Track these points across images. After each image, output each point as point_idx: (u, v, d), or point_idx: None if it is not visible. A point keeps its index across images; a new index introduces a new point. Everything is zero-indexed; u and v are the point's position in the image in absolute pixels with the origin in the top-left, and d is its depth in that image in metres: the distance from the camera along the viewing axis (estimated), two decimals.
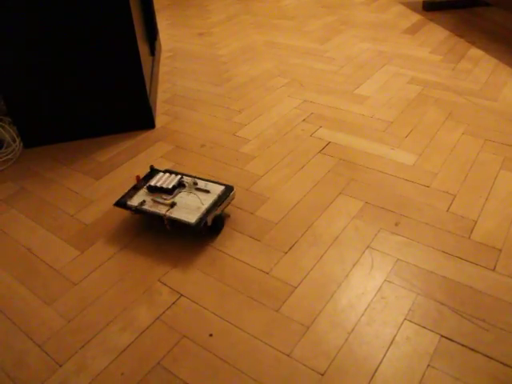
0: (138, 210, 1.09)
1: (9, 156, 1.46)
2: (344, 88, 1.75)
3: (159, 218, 1.06)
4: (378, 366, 0.82)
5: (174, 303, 0.96)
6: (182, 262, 1.05)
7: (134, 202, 1.11)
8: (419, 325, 0.88)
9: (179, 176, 1.16)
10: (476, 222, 1.10)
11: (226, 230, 1.13)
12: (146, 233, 1.13)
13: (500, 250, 1.02)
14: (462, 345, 0.84)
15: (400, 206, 1.16)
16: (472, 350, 0.83)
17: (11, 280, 1.03)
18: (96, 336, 0.90)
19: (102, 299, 0.97)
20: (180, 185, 1.14)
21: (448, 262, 1.00)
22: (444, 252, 1.02)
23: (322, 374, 0.81)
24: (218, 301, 0.95)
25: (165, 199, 1.10)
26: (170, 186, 1.11)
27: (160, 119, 1.62)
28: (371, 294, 0.94)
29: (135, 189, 1.15)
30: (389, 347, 0.85)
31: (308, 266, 1.02)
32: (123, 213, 1.20)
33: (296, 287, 0.97)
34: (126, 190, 1.23)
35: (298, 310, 0.92)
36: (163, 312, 0.94)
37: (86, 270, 1.04)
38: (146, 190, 1.13)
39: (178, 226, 1.05)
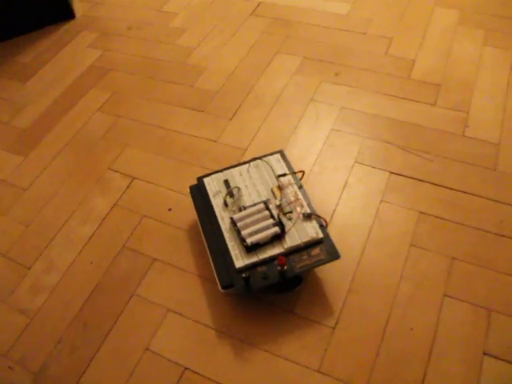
0: (303, 269, 0.70)
1: None
2: None
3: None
4: (335, 208, 0.85)
5: (128, 187, 0.95)
6: (129, 145, 1.03)
7: (258, 284, 0.69)
8: (369, 165, 0.91)
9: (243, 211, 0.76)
10: (414, 61, 1.10)
11: (165, 106, 1.10)
12: (87, 125, 1.09)
13: (439, 85, 1.04)
14: (411, 177, 0.88)
15: (338, 57, 1.14)
16: (420, 180, 0.88)
17: None
18: (58, 234, 0.89)
19: (55, 198, 0.95)
20: (265, 208, 0.76)
21: (391, 104, 1.01)
22: (386, 94, 1.03)
23: None
24: (172, 177, 0.95)
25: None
26: (273, 219, 0.74)
27: (79, 7, 1.49)
28: (320, 144, 0.96)
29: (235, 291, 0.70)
30: (343, 190, 0.88)
31: (254, 127, 1.02)
32: (60, 113, 1.14)
33: (246, 149, 0.97)
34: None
35: None
36: (119, 197, 0.93)
37: (34, 173, 1.01)
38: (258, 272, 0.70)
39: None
